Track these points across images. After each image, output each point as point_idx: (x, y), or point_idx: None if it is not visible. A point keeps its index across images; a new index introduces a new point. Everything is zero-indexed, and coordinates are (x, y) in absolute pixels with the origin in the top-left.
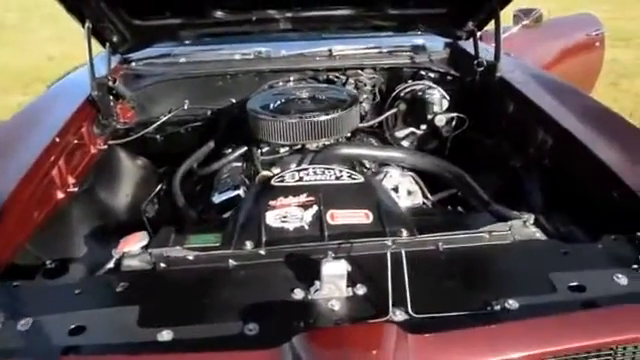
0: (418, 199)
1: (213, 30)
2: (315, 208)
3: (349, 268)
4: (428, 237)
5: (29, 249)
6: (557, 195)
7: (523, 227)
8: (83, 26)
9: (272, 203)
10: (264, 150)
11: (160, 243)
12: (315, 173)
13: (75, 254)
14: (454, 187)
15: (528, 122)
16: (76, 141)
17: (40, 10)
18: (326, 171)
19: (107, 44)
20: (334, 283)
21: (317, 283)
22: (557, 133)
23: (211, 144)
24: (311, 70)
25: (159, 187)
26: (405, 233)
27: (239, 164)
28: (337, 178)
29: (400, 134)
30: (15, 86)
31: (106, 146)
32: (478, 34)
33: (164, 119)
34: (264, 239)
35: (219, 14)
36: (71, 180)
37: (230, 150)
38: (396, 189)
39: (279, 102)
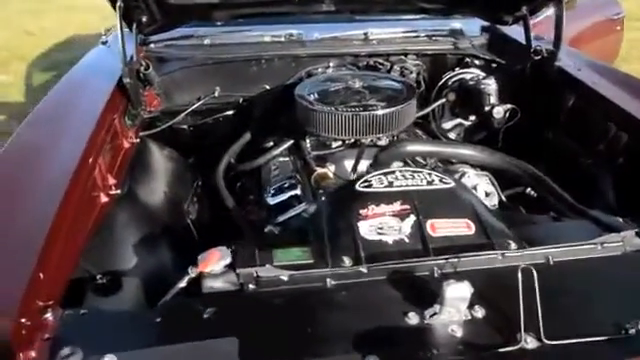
0: (494, 200)
1: (251, 10)
2: (412, 218)
3: (472, 290)
4: (538, 250)
5: (83, 262)
6: (637, 197)
7: (634, 237)
8: (114, 5)
9: (363, 212)
10: (312, 143)
11: (245, 261)
12: (404, 177)
13: (124, 264)
14: (530, 187)
15: (594, 116)
16: (110, 135)
17: None
18: (415, 174)
19: (134, 24)
20: (456, 307)
21: (435, 307)
22: (634, 129)
23: (247, 136)
24: (351, 55)
25: (196, 184)
26: (513, 245)
27: (286, 159)
28: (429, 183)
29: (447, 125)
30: None
31: (138, 139)
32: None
33: (193, 107)
34: (363, 254)
35: None
36: (112, 181)
37: (272, 143)
38: (475, 189)
39: (331, 92)
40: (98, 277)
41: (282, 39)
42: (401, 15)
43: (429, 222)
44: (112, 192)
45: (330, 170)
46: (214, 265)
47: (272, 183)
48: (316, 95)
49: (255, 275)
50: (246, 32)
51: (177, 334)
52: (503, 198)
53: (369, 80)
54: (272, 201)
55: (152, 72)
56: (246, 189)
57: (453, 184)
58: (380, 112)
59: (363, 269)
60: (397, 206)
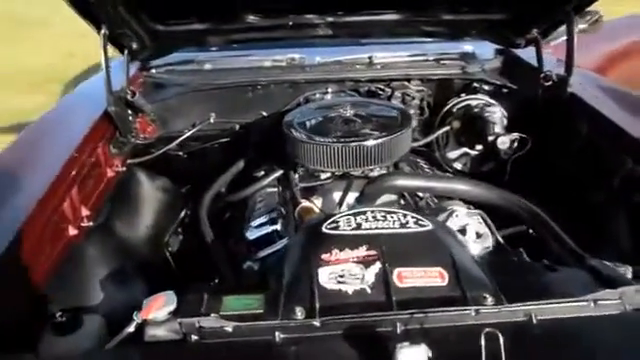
0: (488, 242)
1: (244, 36)
2: (378, 265)
3: (430, 353)
4: (519, 307)
5: (41, 298)
6: None
7: (636, 293)
8: (99, 33)
9: (325, 257)
10: (301, 174)
11: (190, 308)
12: (375, 218)
13: (91, 301)
14: (530, 228)
15: (609, 147)
16: (91, 164)
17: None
18: (388, 216)
19: (125, 51)
20: None
21: None
22: None
23: (240, 164)
24: (351, 81)
25: (182, 214)
26: (490, 300)
27: (274, 190)
28: (402, 225)
29: (452, 155)
30: (32, 86)
31: (124, 168)
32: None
33: (188, 134)
34: (318, 305)
35: (251, 18)
36: (85, 212)
37: (262, 173)
38: (463, 231)
39: (320, 120)
40: (57, 315)
41: (283, 63)
42: (404, 38)
43: (396, 271)
44: (83, 224)
45: (316, 203)
46: (157, 312)
47: (254, 216)
48: (305, 124)
49: (197, 325)
50: (247, 57)
51: None
52: (500, 239)
53: (363, 108)
54: (251, 236)
55: (140, 99)
56: (232, 221)
57: (431, 227)
58: (370, 143)
59: (316, 322)
60: (362, 251)
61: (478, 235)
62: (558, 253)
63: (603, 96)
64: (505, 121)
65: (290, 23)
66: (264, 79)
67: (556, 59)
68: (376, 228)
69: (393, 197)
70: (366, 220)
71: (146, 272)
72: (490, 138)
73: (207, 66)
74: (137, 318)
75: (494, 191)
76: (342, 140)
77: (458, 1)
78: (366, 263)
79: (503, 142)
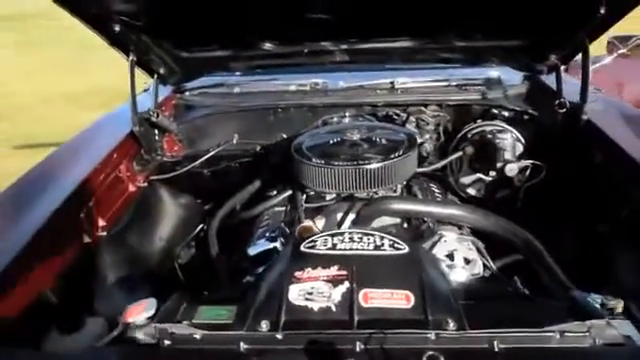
0: (477, 269)
1: (263, 62)
2: (346, 285)
3: None
4: (480, 333)
5: (50, 298)
6: None
7: (607, 327)
8: (127, 59)
9: (298, 274)
10: (310, 194)
11: (167, 315)
12: (352, 240)
13: (97, 303)
14: (523, 256)
15: (620, 178)
16: (113, 179)
17: None
18: (364, 237)
19: (155, 75)
20: None
21: None
22: None
23: (256, 184)
24: (369, 105)
25: (198, 229)
26: (452, 325)
27: (282, 209)
28: (376, 247)
29: (466, 180)
30: (99, 104)
31: (146, 183)
32: (562, 68)
33: (212, 153)
34: (283, 319)
35: (268, 46)
36: (101, 222)
37: (275, 192)
38: (451, 256)
39: (327, 144)
40: (64, 315)
41: (307, 88)
42: (421, 64)
43: (363, 291)
44: (98, 234)
45: (316, 223)
46: (137, 316)
47: (259, 234)
48: (312, 147)
49: (170, 331)
50: (273, 81)
51: None
52: (492, 266)
53: (370, 132)
54: (252, 252)
55: (164, 120)
56: (241, 237)
57: (406, 250)
58: (372, 165)
59: (278, 335)
60: (333, 271)
61: (467, 261)
62: (546, 286)
63: (622, 124)
64: (521, 147)
65: (305, 50)
66: (284, 103)
67: (592, 87)
68: (350, 249)
69: (397, 220)
70: (342, 241)
71: (153, 280)
72: (499, 164)
73: (236, 89)
74: (120, 322)
75: (490, 218)
76: (344, 163)
77: (470, 28)
78: (335, 282)
79: (511, 169)
